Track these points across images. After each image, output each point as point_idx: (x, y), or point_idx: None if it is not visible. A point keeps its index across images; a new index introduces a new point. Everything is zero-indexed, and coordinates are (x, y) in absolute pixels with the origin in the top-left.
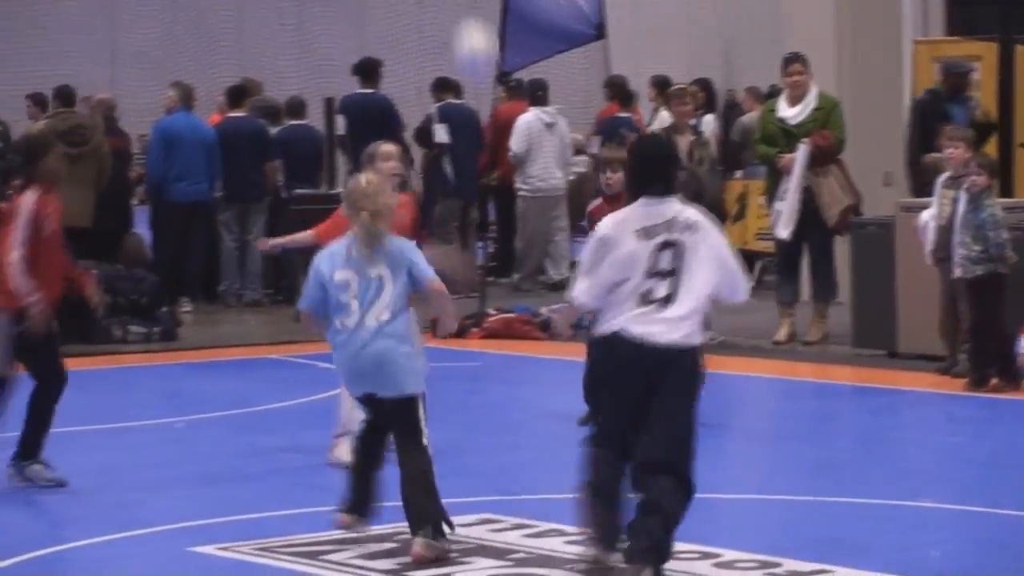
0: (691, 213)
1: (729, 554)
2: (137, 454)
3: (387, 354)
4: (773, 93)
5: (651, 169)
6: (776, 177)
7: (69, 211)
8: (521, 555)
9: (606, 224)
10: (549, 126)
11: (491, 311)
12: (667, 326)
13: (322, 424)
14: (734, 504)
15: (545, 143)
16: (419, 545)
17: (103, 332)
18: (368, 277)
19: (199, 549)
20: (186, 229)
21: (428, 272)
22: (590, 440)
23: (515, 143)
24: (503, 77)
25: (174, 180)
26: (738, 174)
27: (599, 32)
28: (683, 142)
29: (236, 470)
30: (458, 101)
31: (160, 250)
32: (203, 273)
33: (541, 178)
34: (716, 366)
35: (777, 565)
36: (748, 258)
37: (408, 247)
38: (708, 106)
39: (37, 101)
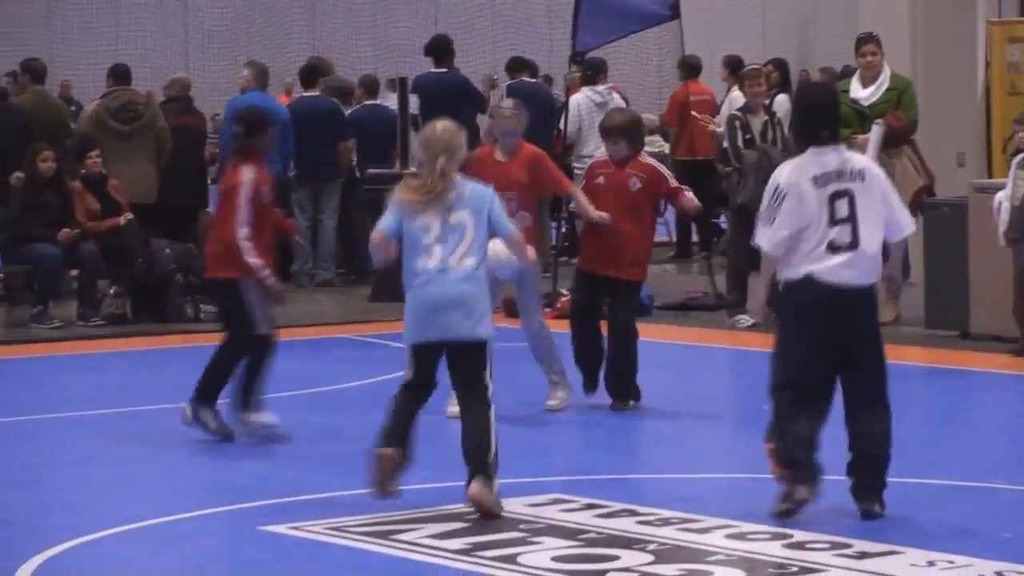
0: (858, 160)
1: (799, 535)
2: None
3: (472, 297)
4: (847, 73)
5: (818, 118)
6: None
7: (129, 187)
8: (592, 535)
9: (783, 173)
10: (600, 105)
11: (563, 291)
12: (858, 271)
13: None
14: None
15: (596, 122)
16: (478, 484)
17: (176, 311)
18: (450, 222)
19: (270, 528)
20: None
21: (508, 223)
22: (778, 385)
23: (568, 125)
24: (576, 57)
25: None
26: None
27: (673, 12)
28: (756, 122)
29: (307, 449)
30: (532, 80)
31: None
32: (276, 252)
33: (593, 157)
34: None
35: (847, 546)
36: None
37: (488, 193)
38: (783, 86)
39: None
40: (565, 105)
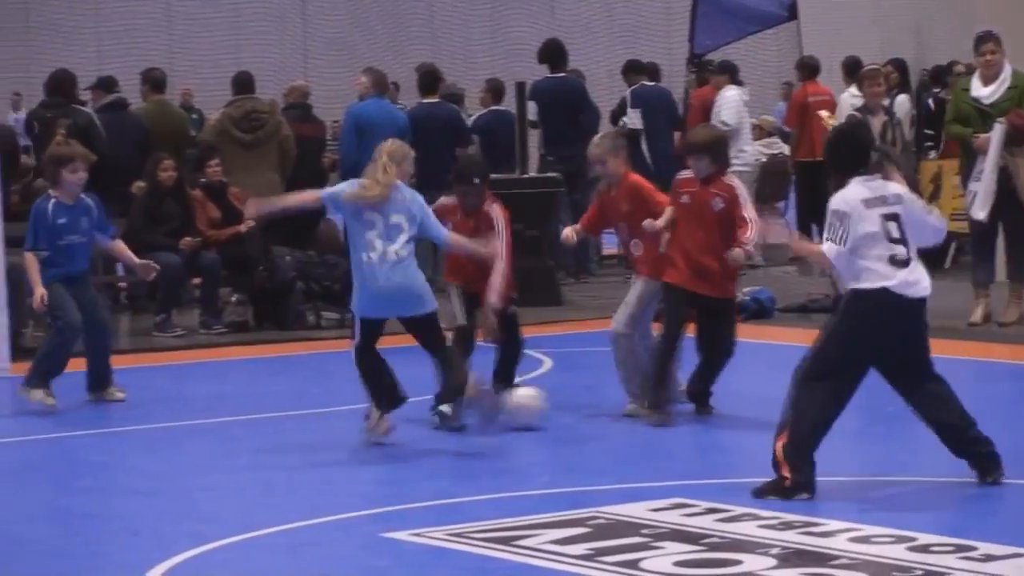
0: (894, 186)
1: (924, 538)
2: (332, 439)
3: (409, 284)
4: (967, 72)
5: (858, 154)
6: (971, 157)
7: (252, 196)
8: (714, 539)
9: (838, 199)
10: (746, 104)
11: None
12: (920, 285)
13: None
14: (929, 487)
15: (744, 120)
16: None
17: (298, 318)
18: (390, 222)
19: (392, 534)
20: None
21: (441, 232)
22: (810, 375)
23: (729, 116)
24: (694, 59)
25: (367, 166)
26: (932, 155)
27: (791, 13)
28: (876, 123)
29: (430, 455)
30: (651, 83)
31: None
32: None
33: (747, 152)
34: None
35: (972, 549)
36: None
37: (418, 201)
38: (902, 87)
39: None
40: (686, 107)
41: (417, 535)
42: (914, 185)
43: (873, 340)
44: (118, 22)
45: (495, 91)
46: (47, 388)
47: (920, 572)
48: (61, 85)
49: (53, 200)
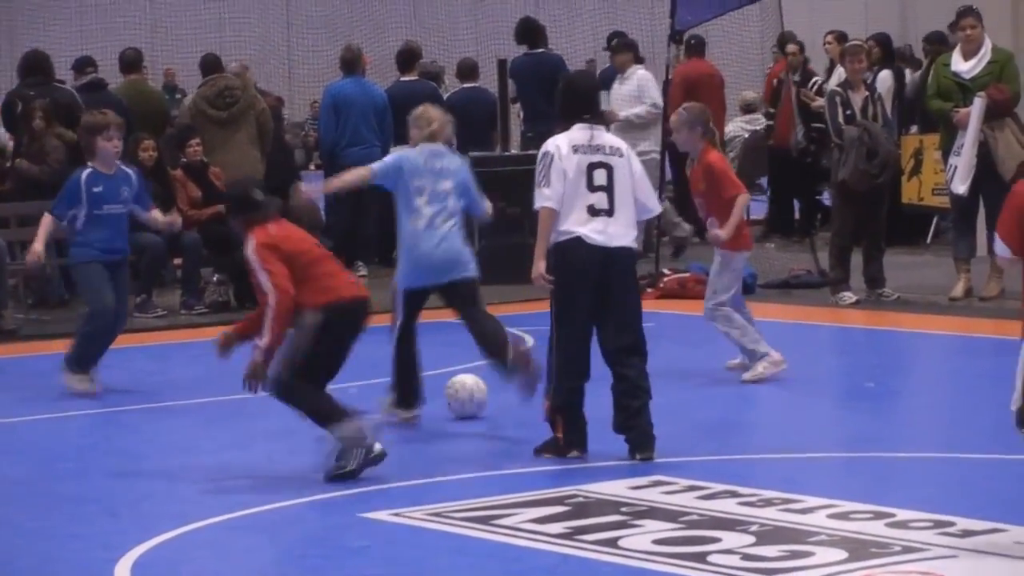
0: (616, 140)
1: (903, 514)
2: None
3: (457, 251)
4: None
5: (583, 102)
6: (951, 132)
7: (233, 173)
8: (693, 517)
9: (549, 142)
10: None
11: (665, 271)
12: (617, 234)
13: (497, 388)
14: (909, 463)
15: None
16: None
17: None
18: (438, 189)
19: (371, 514)
20: (360, 193)
21: (483, 203)
22: (566, 358)
23: (659, 96)
24: (676, 36)
25: (346, 145)
26: (913, 129)
27: None
28: (857, 98)
29: (409, 435)
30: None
31: (334, 215)
32: (378, 237)
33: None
34: (892, 323)
35: (951, 524)
36: (924, 214)
37: (465, 169)
38: (885, 62)
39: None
40: (667, 83)
41: (396, 515)
42: (896, 160)
43: (577, 288)
44: (100, 1)
45: (461, 70)
46: (84, 374)
47: (898, 548)
48: (38, 64)
49: (89, 170)
